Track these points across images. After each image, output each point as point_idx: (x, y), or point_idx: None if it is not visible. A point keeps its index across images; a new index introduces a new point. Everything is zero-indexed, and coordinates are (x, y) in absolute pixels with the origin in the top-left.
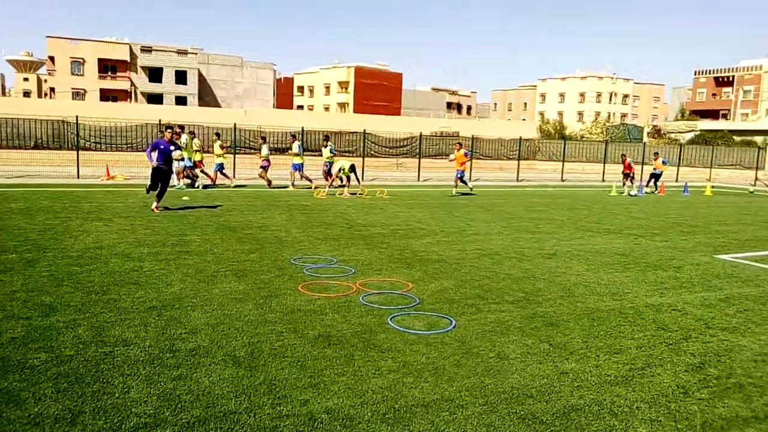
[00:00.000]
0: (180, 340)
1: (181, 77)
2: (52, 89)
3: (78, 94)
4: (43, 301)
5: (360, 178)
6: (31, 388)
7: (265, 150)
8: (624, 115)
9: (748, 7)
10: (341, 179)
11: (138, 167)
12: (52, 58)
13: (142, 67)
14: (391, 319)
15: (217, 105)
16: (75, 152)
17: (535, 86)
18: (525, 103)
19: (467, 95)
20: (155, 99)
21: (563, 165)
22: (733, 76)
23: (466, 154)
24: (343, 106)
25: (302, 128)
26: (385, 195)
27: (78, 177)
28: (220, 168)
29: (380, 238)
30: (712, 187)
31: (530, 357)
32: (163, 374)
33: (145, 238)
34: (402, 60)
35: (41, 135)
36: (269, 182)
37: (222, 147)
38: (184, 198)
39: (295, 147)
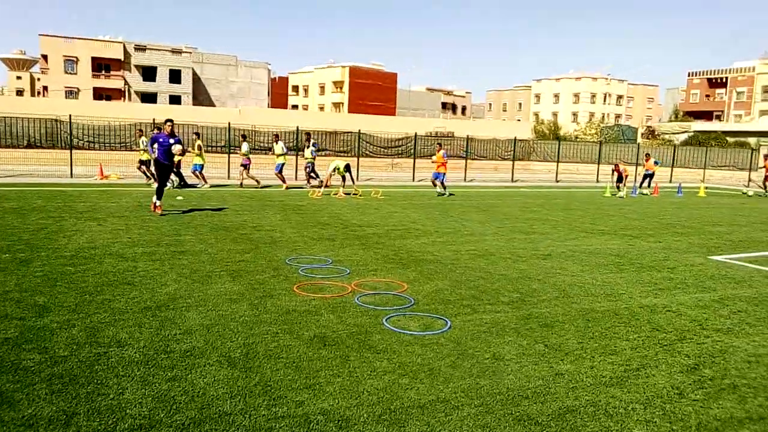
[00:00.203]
0: (175, 340)
1: (175, 76)
2: (46, 88)
3: (71, 93)
4: (36, 301)
5: (354, 178)
6: (25, 389)
7: (245, 147)
8: (618, 116)
9: (743, 7)
10: (343, 178)
11: (131, 167)
12: (45, 57)
13: (136, 66)
14: (386, 320)
15: (211, 104)
16: (68, 151)
17: (529, 87)
18: (520, 104)
19: (462, 95)
20: (149, 98)
21: (558, 165)
22: (727, 78)
23: (444, 155)
24: (337, 105)
25: (297, 128)
26: (380, 195)
27: (71, 176)
28: (199, 168)
29: (375, 239)
30: (706, 188)
31: (525, 358)
32: (157, 375)
33: (140, 238)
34: (398, 60)
35: (34, 134)
36: (257, 182)
37: (200, 147)
38: (179, 198)
39: (278, 147)
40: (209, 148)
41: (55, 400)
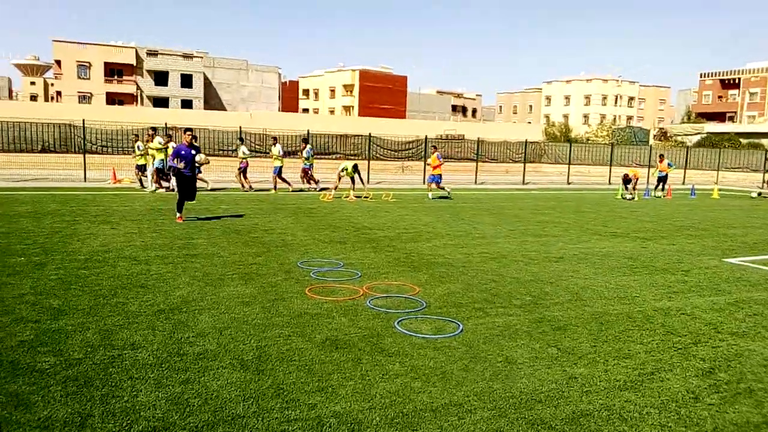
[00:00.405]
0: (188, 343)
1: (186, 81)
2: (59, 93)
3: (84, 98)
4: (51, 304)
5: (364, 180)
6: (41, 391)
7: (242, 150)
8: (630, 118)
9: (755, 7)
10: (352, 179)
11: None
12: (58, 62)
13: (148, 71)
14: (398, 323)
15: (222, 108)
16: (82, 156)
17: (540, 89)
18: (530, 106)
19: (472, 98)
20: (161, 102)
21: (569, 168)
22: (740, 79)
23: (439, 158)
24: (348, 109)
25: (308, 131)
26: (390, 198)
27: (85, 180)
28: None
29: (386, 242)
30: (720, 190)
31: (538, 361)
32: (171, 378)
33: (152, 242)
34: (398, 60)
35: (48, 138)
36: (250, 186)
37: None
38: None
39: (276, 150)
40: (220, 152)
41: (70, 402)
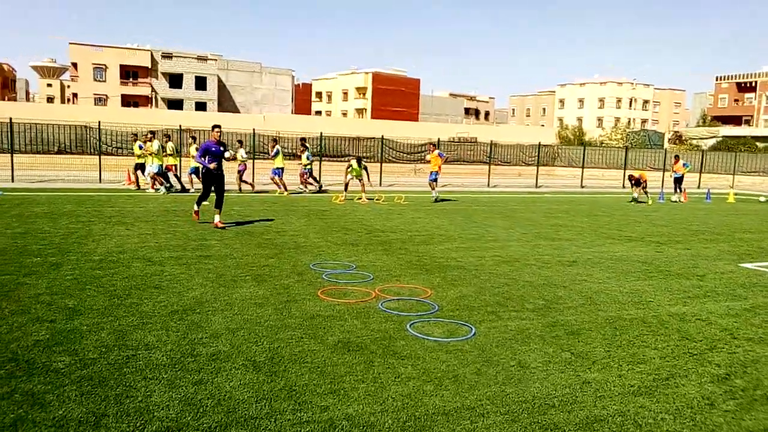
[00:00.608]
0: (201, 344)
1: (200, 83)
2: (75, 95)
3: (100, 100)
4: (66, 304)
5: (370, 178)
6: (56, 390)
7: (241, 153)
8: (644, 121)
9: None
10: (359, 179)
11: None
12: (75, 65)
13: (163, 74)
14: (410, 326)
15: (236, 111)
16: (97, 157)
17: (553, 92)
18: (544, 109)
19: (485, 101)
20: (175, 105)
21: (583, 171)
22: (756, 82)
23: (440, 155)
24: (360, 111)
25: (321, 133)
26: (402, 201)
27: (100, 181)
28: (195, 171)
29: (399, 244)
30: (735, 194)
31: (552, 366)
32: (184, 378)
33: (167, 243)
34: (417, 63)
35: (64, 140)
36: (242, 188)
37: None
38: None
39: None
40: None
41: (85, 402)
